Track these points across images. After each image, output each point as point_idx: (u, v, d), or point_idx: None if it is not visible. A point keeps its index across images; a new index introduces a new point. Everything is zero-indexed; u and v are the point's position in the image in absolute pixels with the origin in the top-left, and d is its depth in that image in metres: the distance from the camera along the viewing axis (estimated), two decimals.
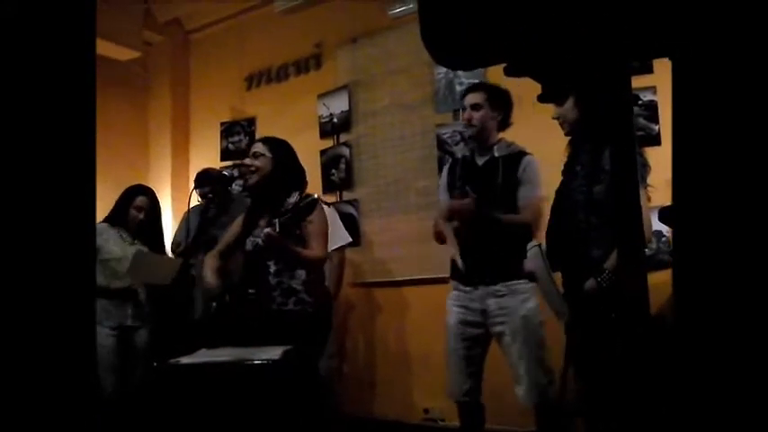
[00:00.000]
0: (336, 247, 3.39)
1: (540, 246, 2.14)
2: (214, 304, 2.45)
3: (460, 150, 3.57)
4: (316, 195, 2.28)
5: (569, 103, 2.16)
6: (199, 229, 2.69)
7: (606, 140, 2.03)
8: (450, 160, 2.80)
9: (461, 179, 2.52)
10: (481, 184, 2.40)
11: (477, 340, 2.46)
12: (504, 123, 2.53)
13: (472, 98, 2.50)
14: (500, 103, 2.50)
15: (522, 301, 2.36)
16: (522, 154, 2.47)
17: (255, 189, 2.50)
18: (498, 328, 2.40)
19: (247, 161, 2.50)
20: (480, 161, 2.52)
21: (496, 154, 2.48)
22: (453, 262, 2.54)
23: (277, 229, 2.20)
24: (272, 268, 2.40)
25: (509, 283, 2.37)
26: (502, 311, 2.38)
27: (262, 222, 2.47)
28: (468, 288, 2.46)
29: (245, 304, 2.40)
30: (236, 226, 2.56)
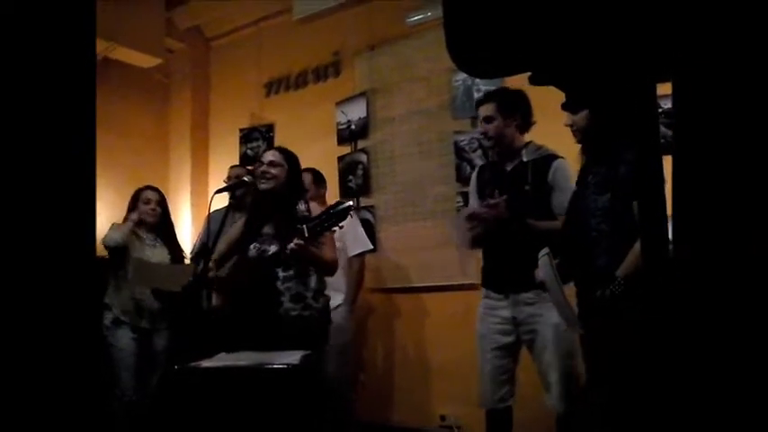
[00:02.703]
0: (357, 253, 3.40)
1: (549, 254, 2.12)
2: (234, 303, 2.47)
3: (478, 157, 3.57)
4: (350, 203, 2.28)
5: (583, 112, 2.13)
6: (218, 232, 2.72)
7: (619, 149, 2.03)
8: (480, 164, 2.74)
9: (490, 184, 2.46)
10: (510, 190, 2.34)
11: (508, 348, 2.42)
12: (525, 125, 2.47)
13: (483, 111, 2.46)
14: (513, 107, 2.43)
15: (552, 309, 2.29)
16: (552, 158, 2.40)
17: (267, 196, 2.52)
18: (529, 336, 2.38)
19: (264, 168, 2.52)
20: (509, 166, 2.46)
21: (525, 158, 2.42)
22: (484, 270, 2.51)
23: (306, 235, 2.21)
24: (281, 274, 2.43)
25: (540, 290, 2.30)
26: (532, 319, 2.35)
27: (267, 229, 2.50)
28: (499, 296, 2.44)
29: (253, 310, 2.42)
30: (234, 231, 2.57)
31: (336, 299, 3.07)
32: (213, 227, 2.90)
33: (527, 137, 2.52)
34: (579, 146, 2.25)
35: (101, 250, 3.29)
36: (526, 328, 2.38)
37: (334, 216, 2.23)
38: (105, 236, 3.13)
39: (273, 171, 2.50)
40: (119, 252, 3.12)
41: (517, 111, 2.44)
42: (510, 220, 2.30)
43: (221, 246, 2.56)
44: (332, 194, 3.74)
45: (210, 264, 2.52)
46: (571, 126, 2.19)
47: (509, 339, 2.42)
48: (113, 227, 3.18)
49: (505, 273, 2.39)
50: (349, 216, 2.29)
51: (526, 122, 2.47)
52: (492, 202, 2.33)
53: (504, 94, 2.48)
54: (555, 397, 2.31)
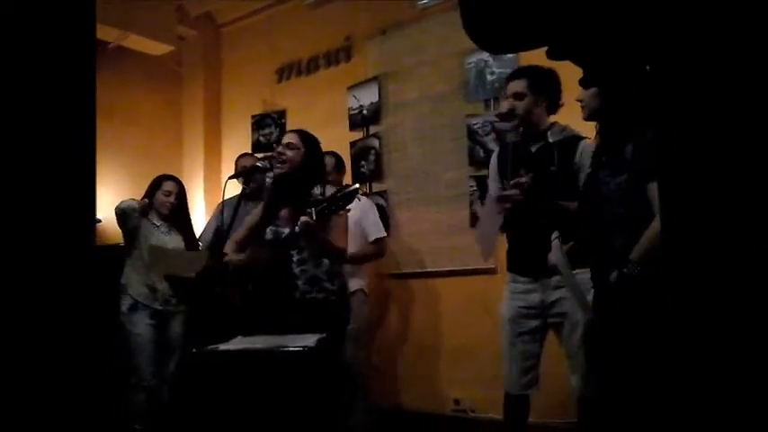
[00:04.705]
0: (373, 239, 3.40)
1: (559, 237, 2.10)
2: (250, 286, 2.48)
3: (491, 141, 3.54)
4: (357, 185, 2.25)
5: (593, 90, 2.09)
6: (232, 220, 2.74)
7: (631, 131, 2.00)
8: (499, 147, 2.67)
9: (514, 166, 2.38)
10: (535, 172, 2.28)
11: (535, 333, 2.40)
12: (553, 106, 2.42)
13: (514, 86, 2.40)
14: (544, 86, 2.38)
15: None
16: (577, 138, 2.36)
17: (283, 179, 2.51)
18: (557, 320, 2.35)
19: (280, 149, 2.51)
20: (534, 147, 2.41)
21: (550, 139, 2.38)
22: (510, 253, 2.48)
23: (314, 218, 2.20)
24: (296, 257, 2.43)
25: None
26: (562, 302, 2.32)
27: (284, 213, 2.49)
28: (526, 279, 2.41)
29: (269, 293, 2.42)
30: (254, 216, 2.58)
31: (352, 284, 3.07)
32: (226, 215, 2.92)
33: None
34: (596, 128, 2.22)
35: (118, 238, 3.33)
36: (555, 311, 2.35)
37: (342, 199, 2.21)
38: (119, 203, 3.17)
39: (289, 154, 2.48)
40: (130, 223, 3.15)
41: (547, 90, 2.39)
42: (538, 200, 2.25)
43: (241, 230, 2.57)
44: (346, 180, 3.74)
45: (232, 246, 2.54)
46: (581, 102, 2.16)
47: (536, 323, 2.39)
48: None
49: (534, 256, 2.31)
50: (357, 199, 2.26)
51: (554, 103, 2.42)
52: (519, 180, 2.26)
53: (537, 71, 2.39)
54: (583, 379, 2.28)
